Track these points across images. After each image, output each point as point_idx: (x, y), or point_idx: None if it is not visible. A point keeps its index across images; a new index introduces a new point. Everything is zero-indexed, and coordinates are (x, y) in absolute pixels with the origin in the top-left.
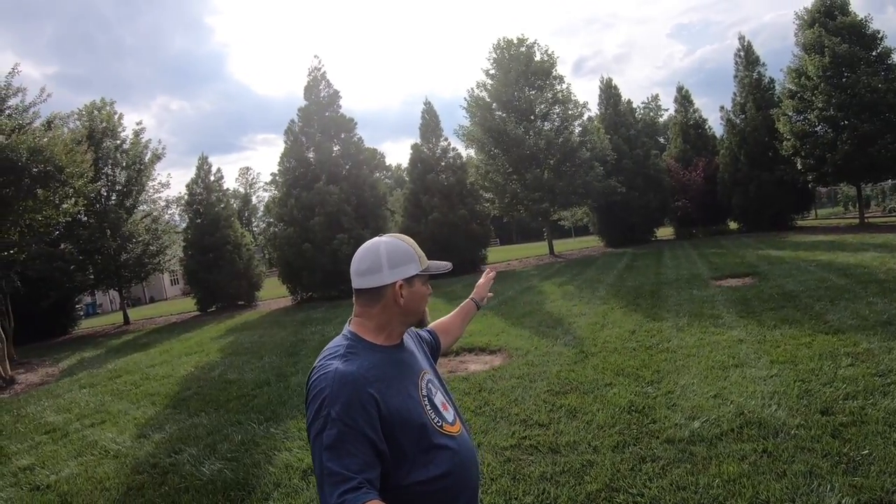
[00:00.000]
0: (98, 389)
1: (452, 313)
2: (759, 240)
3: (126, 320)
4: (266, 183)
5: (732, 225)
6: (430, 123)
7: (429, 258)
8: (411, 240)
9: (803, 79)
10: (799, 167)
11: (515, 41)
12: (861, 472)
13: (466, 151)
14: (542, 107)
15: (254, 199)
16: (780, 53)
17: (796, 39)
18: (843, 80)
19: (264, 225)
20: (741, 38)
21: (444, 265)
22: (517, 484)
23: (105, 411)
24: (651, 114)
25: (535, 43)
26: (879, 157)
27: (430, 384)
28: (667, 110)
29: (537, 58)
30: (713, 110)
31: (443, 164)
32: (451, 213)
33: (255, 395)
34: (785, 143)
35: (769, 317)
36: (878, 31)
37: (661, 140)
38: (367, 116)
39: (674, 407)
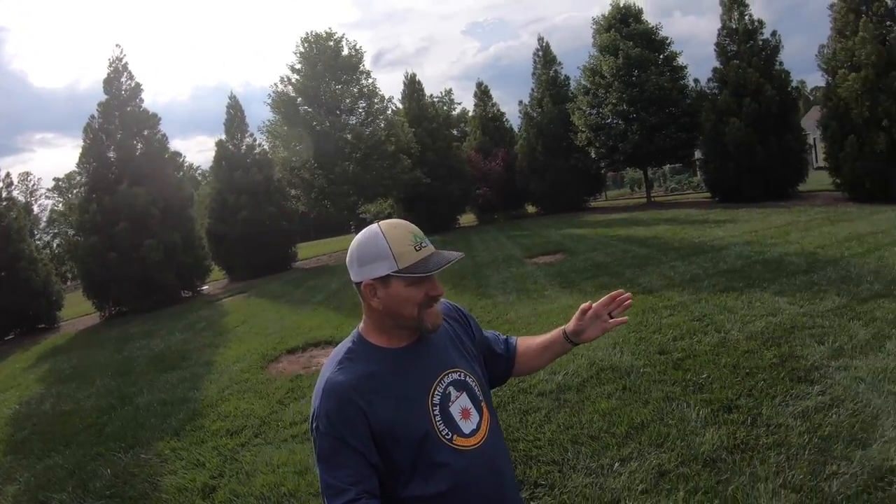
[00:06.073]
0: None
1: (539, 337)
2: (558, 221)
3: None
4: (48, 189)
5: (531, 209)
6: (235, 118)
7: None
8: (405, 230)
9: (598, 77)
10: (593, 156)
11: (324, 35)
12: (706, 389)
13: (271, 147)
14: (348, 101)
15: (35, 209)
16: (572, 52)
17: (594, 41)
18: (634, 78)
19: (48, 237)
20: (540, 39)
21: (439, 261)
22: None
23: None
24: (445, 107)
25: (342, 37)
26: (664, 144)
27: (451, 387)
28: (460, 104)
29: (345, 52)
30: (506, 103)
31: (249, 160)
32: (260, 211)
33: (104, 423)
34: (580, 134)
35: (588, 285)
36: (667, 38)
37: (455, 132)
38: (153, 111)
39: None
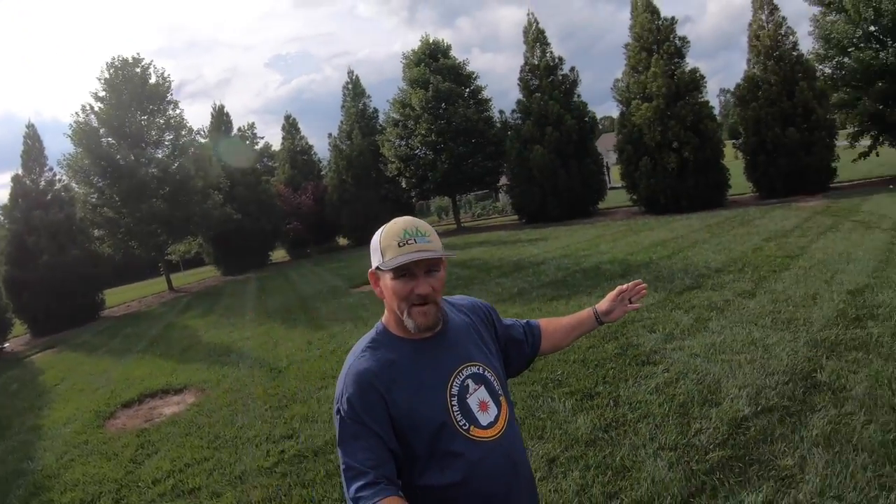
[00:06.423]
0: None
1: (567, 317)
2: None
3: None
4: None
5: (342, 241)
6: (32, 151)
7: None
8: (400, 226)
9: (408, 109)
10: (404, 185)
11: (131, 60)
12: (565, 384)
13: (70, 182)
14: (154, 133)
15: None
16: (374, 86)
17: (404, 75)
18: (442, 111)
19: None
20: (350, 72)
21: (406, 259)
22: (303, 489)
23: None
24: (248, 141)
25: (150, 64)
26: (472, 172)
27: (469, 379)
28: (262, 138)
29: (152, 80)
30: (308, 136)
31: (49, 198)
32: (63, 254)
33: None
34: (390, 165)
35: None
36: (473, 73)
37: (258, 167)
38: None
39: None
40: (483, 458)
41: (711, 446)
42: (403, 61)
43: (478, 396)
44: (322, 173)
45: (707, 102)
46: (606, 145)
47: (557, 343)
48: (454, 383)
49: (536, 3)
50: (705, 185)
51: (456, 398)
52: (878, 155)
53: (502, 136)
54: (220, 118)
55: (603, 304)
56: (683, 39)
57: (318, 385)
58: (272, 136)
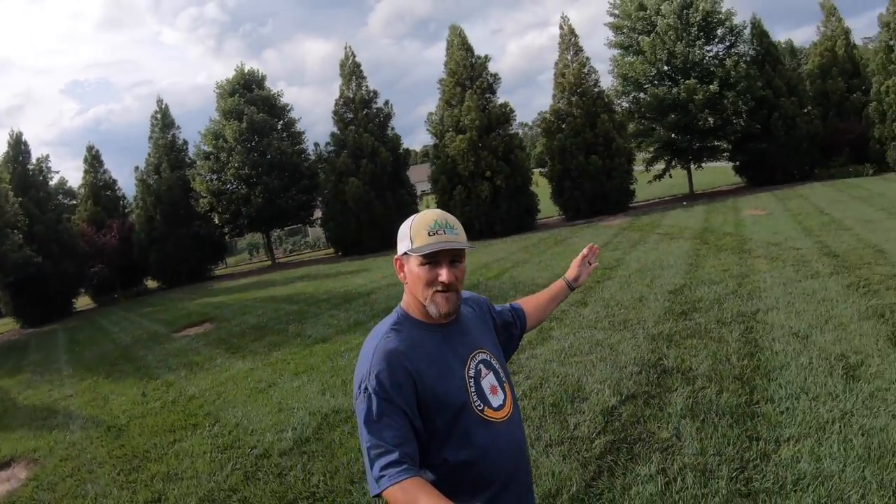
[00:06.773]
0: None
1: (541, 292)
2: (187, 293)
3: None
4: None
5: (152, 283)
6: None
7: None
8: (431, 216)
9: (220, 141)
10: (216, 221)
11: None
12: None
13: None
14: None
15: None
16: (178, 117)
17: (217, 105)
18: (255, 143)
19: None
20: (159, 102)
21: (437, 247)
22: None
23: None
24: (40, 177)
25: None
26: (286, 207)
27: (481, 364)
28: (58, 172)
29: None
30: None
31: None
32: None
33: None
34: (201, 200)
35: (257, 346)
36: (287, 104)
37: (56, 203)
38: None
39: (254, 432)
40: (495, 437)
41: (594, 435)
42: (217, 91)
43: (489, 381)
44: (128, 210)
45: (516, 134)
46: (414, 176)
47: (539, 317)
48: (470, 367)
49: (345, 39)
50: (517, 210)
51: (472, 380)
52: (671, 177)
53: (316, 170)
54: (18, 147)
55: (571, 273)
56: (495, 76)
57: (171, 439)
58: (67, 171)
